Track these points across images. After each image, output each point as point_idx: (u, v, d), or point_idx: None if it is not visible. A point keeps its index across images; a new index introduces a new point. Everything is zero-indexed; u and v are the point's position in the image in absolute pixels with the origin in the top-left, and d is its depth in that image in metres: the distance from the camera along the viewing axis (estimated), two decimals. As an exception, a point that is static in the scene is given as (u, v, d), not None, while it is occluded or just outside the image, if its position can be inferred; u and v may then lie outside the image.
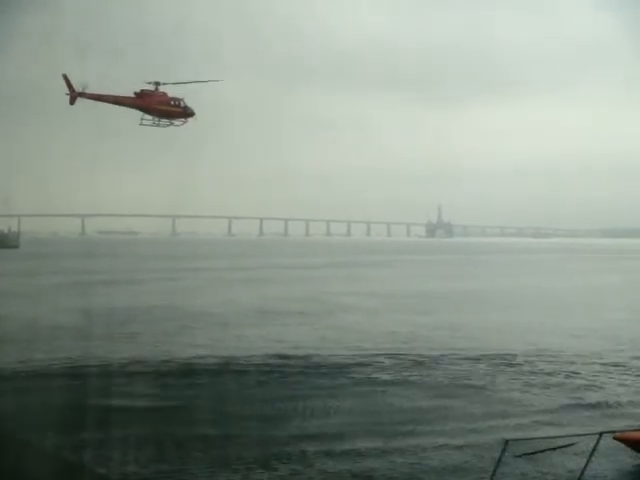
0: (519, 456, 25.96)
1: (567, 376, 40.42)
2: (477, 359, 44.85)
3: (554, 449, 26.92)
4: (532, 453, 26.56)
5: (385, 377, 39.91)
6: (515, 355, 45.95)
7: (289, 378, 39.51)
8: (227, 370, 41.27)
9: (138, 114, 48.23)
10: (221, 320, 62.73)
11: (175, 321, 61.78)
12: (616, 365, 43.59)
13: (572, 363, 44.00)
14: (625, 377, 40.55)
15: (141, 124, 47.91)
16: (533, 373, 41.25)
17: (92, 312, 64.24)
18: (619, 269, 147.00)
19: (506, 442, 15.67)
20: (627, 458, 26.00)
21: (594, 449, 15.88)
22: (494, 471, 15.45)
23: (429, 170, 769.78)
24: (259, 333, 55.55)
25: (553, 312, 70.17)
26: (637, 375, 40.99)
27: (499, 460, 15.45)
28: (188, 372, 40.73)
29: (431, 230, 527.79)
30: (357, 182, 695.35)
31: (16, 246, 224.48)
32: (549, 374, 40.91)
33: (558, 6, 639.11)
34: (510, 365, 43.14)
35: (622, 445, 25.78)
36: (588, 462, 15.90)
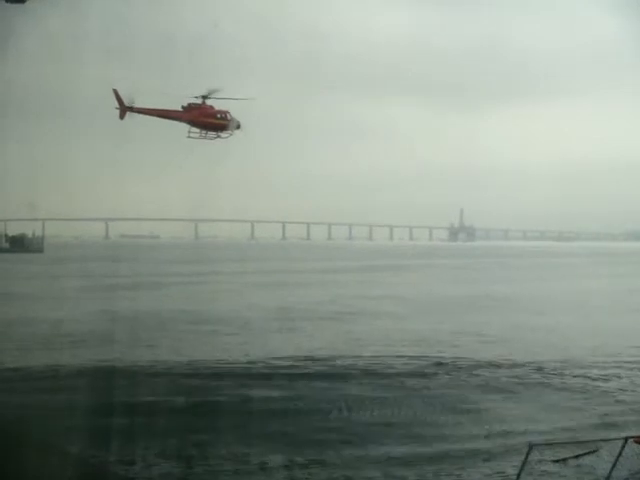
0: (556, 461, 26.18)
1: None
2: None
3: (582, 455, 27.12)
4: (563, 460, 26.73)
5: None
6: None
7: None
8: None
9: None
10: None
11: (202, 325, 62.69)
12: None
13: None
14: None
15: (188, 137, 48.62)
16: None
17: (122, 316, 65.36)
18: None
19: (531, 446, 15.72)
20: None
21: (619, 454, 15.96)
22: (519, 475, 15.53)
23: (452, 174, 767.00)
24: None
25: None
26: None
27: (524, 464, 15.52)
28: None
29: (453, 234, 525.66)
30: (379, 186, 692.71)
31: (40, 250, 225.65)
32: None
33: (588, 9, 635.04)
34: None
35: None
36: (613, 467, 15.96)
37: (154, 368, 43.52)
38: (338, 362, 46.40)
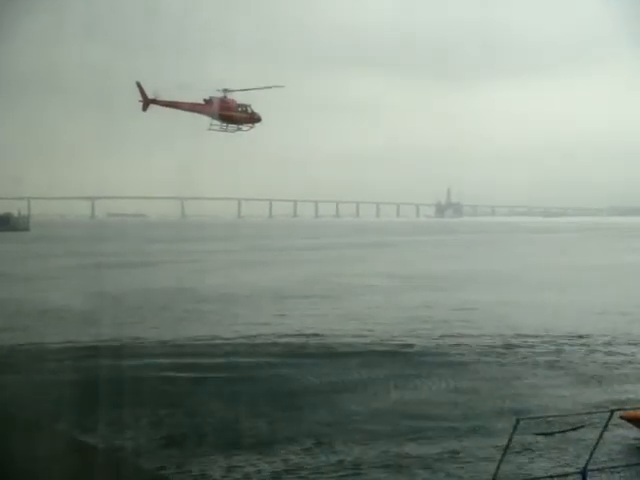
0: (540, 434, 26.75)
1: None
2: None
3: (570, 430, 27.71)
4: (550, 433, 27.30)
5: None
6: None
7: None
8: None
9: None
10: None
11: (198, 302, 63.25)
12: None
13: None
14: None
15: (210, 129, 49.49)
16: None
17: (112, 295, 65.65)
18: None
19: (517, 420, 16.01)
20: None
21: (605, 426, 16.34)
22: (505, 449, 15.83)
23: (439, 151, 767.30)
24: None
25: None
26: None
27: (510, 438, 15.82)
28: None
29: (440, 210, 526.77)
30: (366, 163, 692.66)
31: (26, 229, 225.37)
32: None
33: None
34: None
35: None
36: (599, 440, 16.40)
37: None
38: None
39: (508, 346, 43.86)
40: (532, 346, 43.85)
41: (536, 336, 46.72)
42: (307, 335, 47.58)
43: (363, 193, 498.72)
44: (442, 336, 47.01)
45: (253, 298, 66.90)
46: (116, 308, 57.91)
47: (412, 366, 38.36)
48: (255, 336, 47.25)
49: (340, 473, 23.66)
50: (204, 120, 49.36)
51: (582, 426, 27.11)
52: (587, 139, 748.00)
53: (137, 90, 48.10)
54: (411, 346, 44.06)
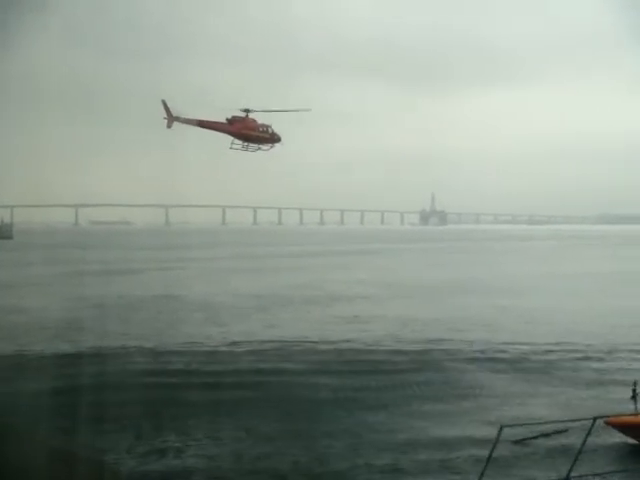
0: (516, 442, 26.94)
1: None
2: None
3: (548, 435, 27.95)
4: (528, 439, 27.56)
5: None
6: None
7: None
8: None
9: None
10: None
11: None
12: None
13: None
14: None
15: (231, 148, 50.71)
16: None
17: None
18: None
19: (501, 427, 16.08)
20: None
21: (588, 434, 16.43)
22: (489, 457, 15.88)
23: (424, 158, 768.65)
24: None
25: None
26: None
27: (495, 444, 15.88)
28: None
29: (425, 218, 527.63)
30: (350, 170, 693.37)
31: (10, 237, 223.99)
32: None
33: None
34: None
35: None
36: (582, 447, 16.48)
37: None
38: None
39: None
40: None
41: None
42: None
43: (348, 201, 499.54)
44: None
45: (238, 305, 67.13)
46: (97, 315, 57.87)
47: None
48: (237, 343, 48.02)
49: None
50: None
51: (565, 430, 27.35)
52: (575, 146, 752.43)
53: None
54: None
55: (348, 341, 48.50)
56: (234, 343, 47.84)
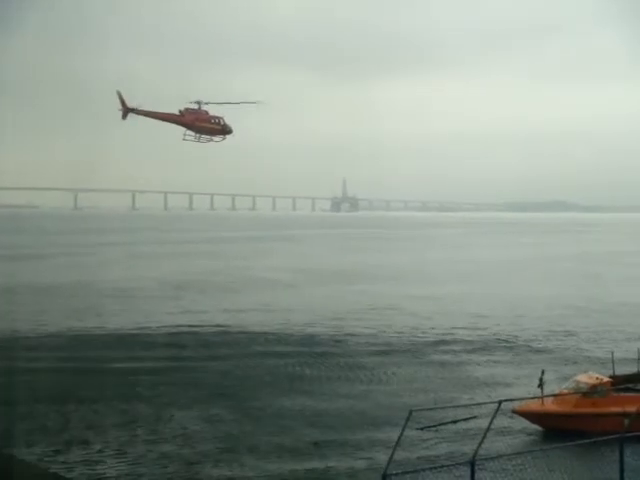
0: (421, 429, 27.57)
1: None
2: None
3: (456, 422, 28.70)
4: (435, 426, 28.21)
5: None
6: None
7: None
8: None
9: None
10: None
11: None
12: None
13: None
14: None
15: (184, 139, 51.98)
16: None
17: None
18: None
19: (410, 412, 16.44)
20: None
21: (493, 417, 16.97)
22: (397, 441, 16.26)
23: (338, 146, 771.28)
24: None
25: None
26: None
27: (403, 429, 16.24)
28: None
29: (336, 204, 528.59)
30: (263, 156, 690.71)
31: None
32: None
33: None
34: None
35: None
36: (488, 429, 16.97)
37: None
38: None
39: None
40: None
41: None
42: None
43: (259, 186, 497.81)
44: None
45: (152, 291, 67.06)
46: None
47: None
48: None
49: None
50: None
51: (475, 417, 28.16)
52: (487, 134, 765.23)
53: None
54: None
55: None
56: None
